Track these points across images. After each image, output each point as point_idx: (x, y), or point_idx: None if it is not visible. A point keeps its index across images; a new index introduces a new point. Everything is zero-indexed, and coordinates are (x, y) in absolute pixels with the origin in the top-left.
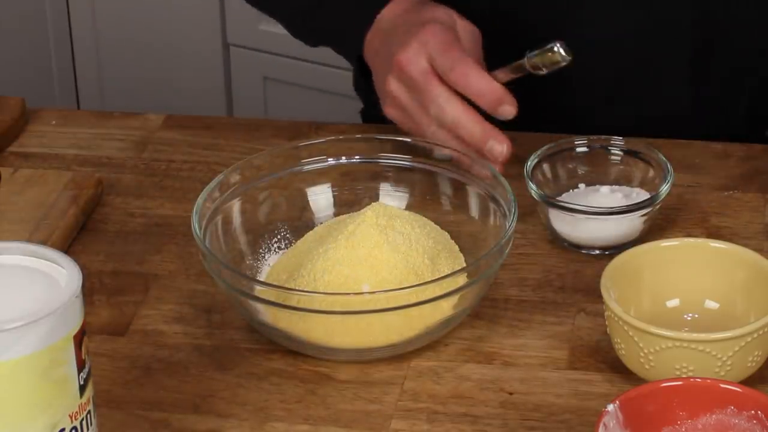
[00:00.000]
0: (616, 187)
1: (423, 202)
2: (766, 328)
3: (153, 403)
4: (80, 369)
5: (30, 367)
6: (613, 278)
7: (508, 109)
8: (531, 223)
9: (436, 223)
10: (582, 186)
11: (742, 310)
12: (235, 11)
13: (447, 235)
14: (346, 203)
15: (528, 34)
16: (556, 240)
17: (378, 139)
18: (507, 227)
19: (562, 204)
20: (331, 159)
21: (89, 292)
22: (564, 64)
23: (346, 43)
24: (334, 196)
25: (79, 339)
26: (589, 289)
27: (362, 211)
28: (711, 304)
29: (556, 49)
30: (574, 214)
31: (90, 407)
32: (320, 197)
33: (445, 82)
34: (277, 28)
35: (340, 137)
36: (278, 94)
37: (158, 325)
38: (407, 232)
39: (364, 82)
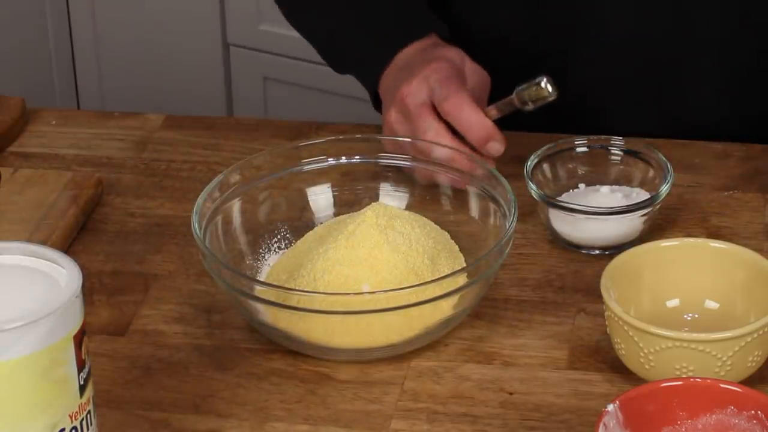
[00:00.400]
0: (616, 187)
1: (423, 202)
2: (766, 328)
3: (153, 403)
4: (80, 369)
5: (30, 367)
6: (613, 278)
7: (496, 147)
8: (531, 223)
9: (436, 223)
10: (582, 186)
11: (742, 310)
12: (235, 11)
13: (447, 235)
14: (346, 203)
15: (552, 35)
16: (556, 240)
17: (378, 139)
18: (507, 227)
19: (562, 204)
20: (331, 159)
21: (89, 292)
22: (551, 99)
23: (365, 76)
24: (334, 196)
25: (79, 339)
26: (589, 289)
27: (362, 211)
28: (711, 304)
29: (543, 84)
30: (574, 214)
31: (90, 407)
32: (320, 197)
33: (439, 113)
34: (277, 28)
35: (340, 137)
36: (278, 94)
37: (158, 325)
38: (407, 232)
39: (379, 112)
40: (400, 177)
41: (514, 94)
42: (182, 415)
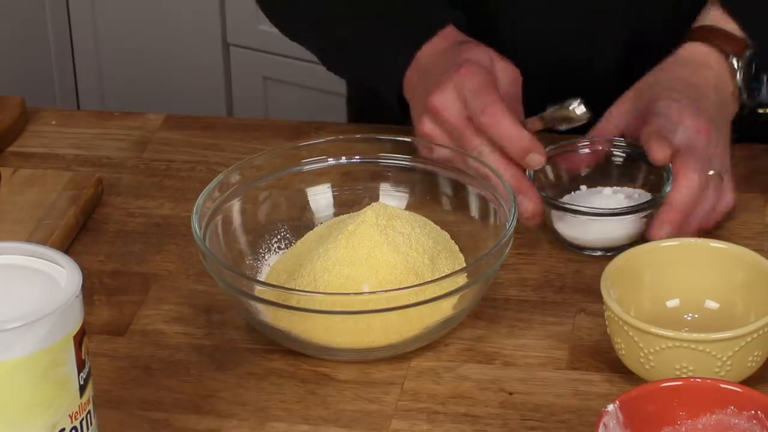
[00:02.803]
0: (618, 188)
1: (423, 202)
2: (766, 328)
3: (153, 403)
4: (80, 369)
5: (30, 367)
6: (613, 278)
7: (537, 159)
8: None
9: (436, 223)
10: (584, 188)
11: (742, 310)
12: (235, 11)
13: (447, 235)
14: (346, 203)
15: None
16: (558, 241)
17: (378, 139)
18: (507, 227)
19: (564, 206)
20: (331, 159)
21: (89, 292)
22: (581, 121)
23: (385, 80)
24: (334, 196)
25: (79, 339)
26: (589, 289)
27: (362, 211)
28: (711, 304)
29: (571, 107)
30: (576, 215)
31: (90, 407)
32: (320, 197)
33: (477, 126)
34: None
35: (340, 137)
36: (278, 94)
37: (158, 325)
38: (407, 232)
39: (402, 114)
40: (400, 177)
41: (545, 112)
42: (182, 415)
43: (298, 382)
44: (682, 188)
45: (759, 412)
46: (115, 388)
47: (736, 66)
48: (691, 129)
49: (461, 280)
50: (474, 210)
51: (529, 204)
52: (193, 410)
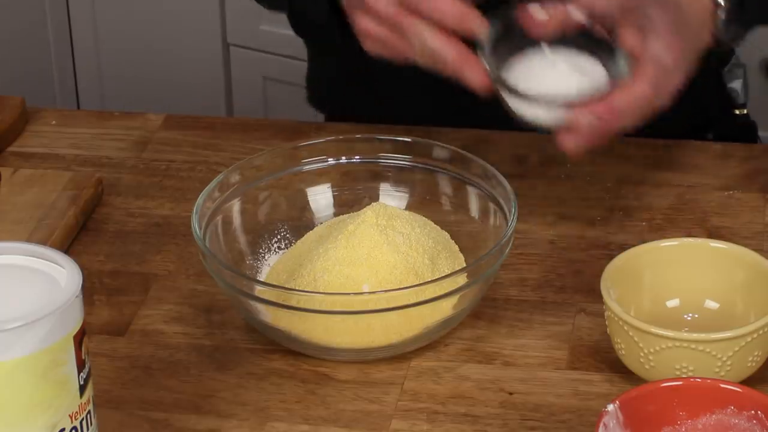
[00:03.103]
0: (574, 54)
1: (423, 202)
2: (766, 328)
3: (153, 403)
4: (80, 369)
5: (30, 367)
6: (613, 278)
7: (475, 24)
8: (531, 223)
9: (436, 223)
10: (545, 48)
11: (742, 310)
12: (235, 11)
13: (447, 235)
14: (346, 203)
15: None
16: (519, 112)
17: (378, 139)
18: (507, 227)
19: (508, 86)
20: (331, 159)
21: (89, 292)
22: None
23: None
24: (334, 196)
25: (79, 339)
26: (589, 289)
27: (362, 211)
28: (711, 304)
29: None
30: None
31: (90, 407)
32: (320, 197)
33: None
34: (276, 28)
35: (340, 137)
36: (278, 94)
37: (158, 325)
38: (407, 232)
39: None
40: (400, 177)
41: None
42: (182, 415)
43: (298, 382)
44: (630, 95)
45: (759, 412)
46: (115, 388)
47: (722, 2)
48: (665, 45)
49: (461, 280)
50: (474, 210)
51: (475, 78)
52: (193, 410)
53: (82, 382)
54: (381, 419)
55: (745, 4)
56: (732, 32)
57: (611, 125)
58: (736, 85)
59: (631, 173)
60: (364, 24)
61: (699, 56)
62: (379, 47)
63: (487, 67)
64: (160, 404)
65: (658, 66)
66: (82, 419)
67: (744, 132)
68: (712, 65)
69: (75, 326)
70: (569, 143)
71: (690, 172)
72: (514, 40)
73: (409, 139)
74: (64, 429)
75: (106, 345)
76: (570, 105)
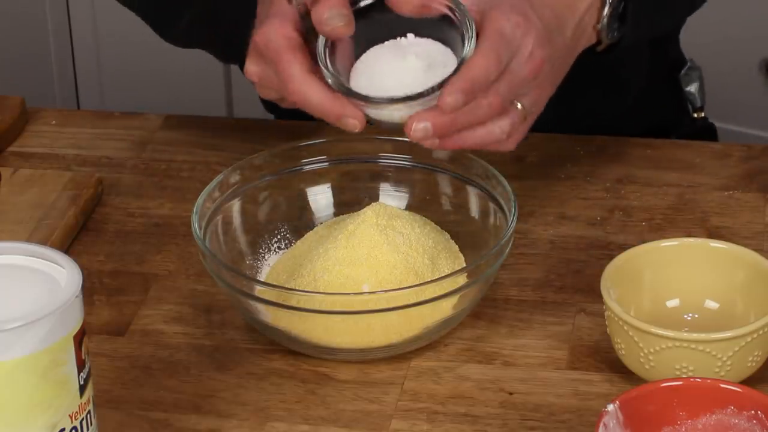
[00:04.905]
0: (426, 43)
1: (423, 202)
2: (766, 328)
3: (153, 403)
4: (80, 369)
5: (30, 367)
6: (613, 278)
7: (351, 123)
8: (531, 223)
9: (436, 223)
10: (410, 36)
11: (742, 310)
12: None
13: (447, 235)
14: (346, 203)
15: None
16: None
17: (378, 139)
18: (507, 227)
19: (355, 93)
20: (331, 159)
21: (89, 292)
22: None
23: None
24: (334, 196)
25: (79, 339)
26: (589, 289)
27: (362, 211)
28: (711, 304)
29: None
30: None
31: (90, 407)
32: (320, 197)
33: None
34: None
35: (340, 137)
36: None
37: (158, 325)
38: (407, 232)
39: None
40: (400, 177)
41: None
42: (182, 415)
43: (298, 382)
44: (481, 66)
45: (759, 412)
46: (115, 388)
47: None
48: (526, 54)
49: (461, 280)
50: (474, 210)
51: (355, 120)
52: (193, 410)
53: (82, 382)
54: (381, 419)
55: (629, 4)
56: (618, 31)
57: (466, 137)
58: (692, 88)
59: (631, 173)
60: (252, 68)
61: (574, 43)
62: (265, 92)
63: (328, 77)
64: (160, 404)
65: (500, 35)
66: (82, 419)
67: (704, 136)
68: (667, 70)
69: (75, 326)
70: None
71: (690, 172)
72: (366, 31)
73: (409, 139)
74: (64, 429)
75: (106, 345)
76: (407, 103)
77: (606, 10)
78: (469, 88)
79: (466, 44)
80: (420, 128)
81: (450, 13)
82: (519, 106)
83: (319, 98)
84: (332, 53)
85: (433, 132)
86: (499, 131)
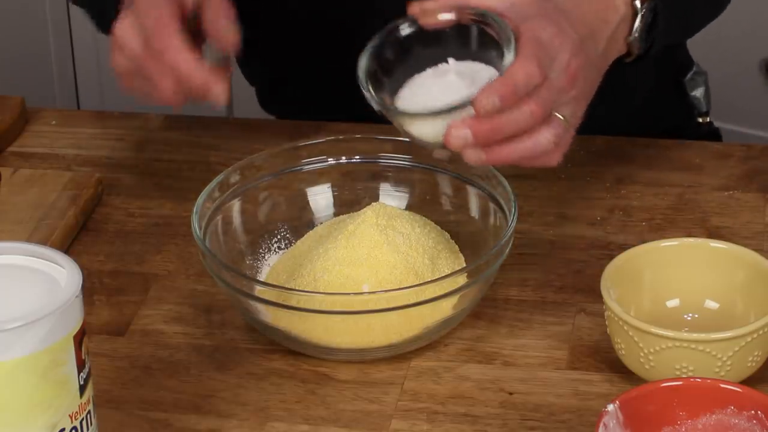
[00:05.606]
0: (466, 65)
1: (423, 202)
2: (766, 328)
3: (153, 403)
4: (80, 369)
5: (30, 367)
6: (613, 278)
7: (218, 94)
8: (531, 223)
9: (436, 223)
10: (451, 61)
11: (742, 310)
12: None
13: (447, 235)
14: (346, 203)
15: None
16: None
17: (378, 139)
18: (507, 227)
19: (389, 108)
20: (331, 159)
21: (89, 292)
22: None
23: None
24: (334, 196)
25: (79, 339)
26: (589, 289)
27: (362, 211)
28: (711, 304)
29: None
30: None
31: (90, 407)
32: (320, 197)
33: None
34: None
35: (340, 137)
36: None
37: (158, 325)
38: (407, 232)
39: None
40: (400, 177)
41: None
42: (182, 415)
43: (298, 382)
44: (522, 72)
45: (759, 412)
46: (115, 388)
47: (639, 11)
48: (563, 64)
49: (461, 280)
50: (474, 210)
51: (221, 94)
52: (193, 410)
53: (82, 382)
54: (381, 419)
55: (659, 16)
56: (648, 41)
57: (509, 150)
58: (698, 93)
59: (631, 173)
60: (118, 61)
61: (605, 55)
62: (129, 86)
63: (372, 101)
64: (160, 404)
65: (537, 42)
66: (82, 419)
67: (709, 140)
68: (673, 75)
69: (75, 326)
70: (470, 157)
71: (690, 172)
72: (408, 61)
73: (409, 139)
74: (64, 429)
75: (106, 345)
76: (450, 115)
77: (638, 23)
78: (509, 91)
79: (505, 53)
80: (460, 135)
81: (484, 25)
82: (560, 117)
83: (189, 66)
84: (377, 87)
85: (473, 140)
86: (546, 141)
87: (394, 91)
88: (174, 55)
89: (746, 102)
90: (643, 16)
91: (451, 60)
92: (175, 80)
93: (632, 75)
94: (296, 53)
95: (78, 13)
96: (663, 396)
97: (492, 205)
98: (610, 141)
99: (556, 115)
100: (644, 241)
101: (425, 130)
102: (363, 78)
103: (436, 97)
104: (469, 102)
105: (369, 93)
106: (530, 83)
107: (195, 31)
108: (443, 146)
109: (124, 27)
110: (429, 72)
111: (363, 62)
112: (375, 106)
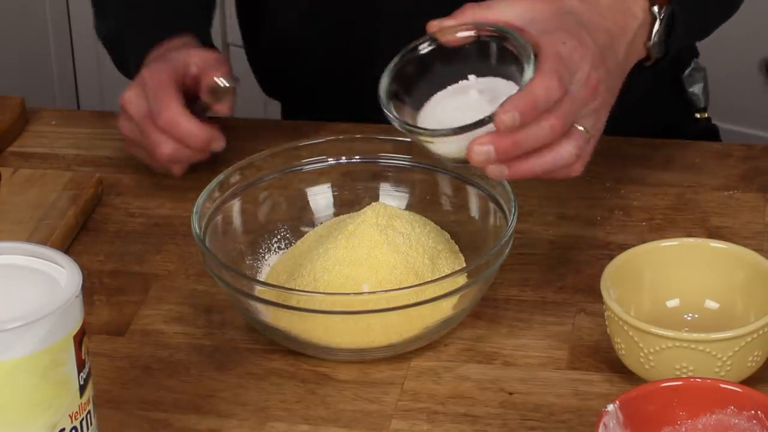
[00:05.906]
0: (488, 81)
1: (423, 202)
2: (766, 328)
3: (153, 403)
4: (80, 369)
5: (30, 367)
6: (613, 278)
7: (219, 145)
8: (531, 223)
9: (436, 223)
10: (472, 77)
11: (742, 310)
12: (235, 11)
13: (447, 235)
14: (346, 203)
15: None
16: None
17: (378, 139)
18: (507, 227)
19: (412, 128)
20: (331, 159)
21: (89, 292)
22: (225, 92)
23: (130, 75)
24: (334, 196)
25: (79, 339)
26: (589, 289)
27: (362, 211)
28: (711, 304)
29: (216, 80)
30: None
31: (90, 407)
32: (320, 197)
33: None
34: None
35: (340, 137)
36: None
37: (158, 325)
38: (407, 232)
39: None
40: (400, 177)
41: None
42: (182, 415)
43: (298, 382)
44: (543, 87)
45: (759, 412)
46: (115, 388)
47: (657, 16)
48: (584, 77)
49: (461, 280)
50: (474, 210)
51: (222, 141)
52: (193, 410)
53: (82, 382)
54: (381, 419)
55: (676, 20)
56: (668, 45)
57: (533, 164)
58: (696, 89)
59: (631, 173)
60: (125, 128)
61: (625, 62)
62: (134, 150)
63: (394, 122)
64: (160, 404)
65: (558, 57)
66: (82, 419)
67: (706, 137)
68: (671, 70)
69: (75, 326)
70: (493, 172)
71: (690, 172)
72: (428, 79)
73: (409, 139)
74: (64, 429)
75: (106, 345)
76: (472, 132)
77: (657, 27)
78: (529, 107)
79: (525, 68)
80: (482, 151)
81: (504, 41)
82: (581, 128)
83: (190, 125)
84: (398, 106)
85: (495, 155)
86: (568, 154)
87: (416, 110)
88: (173, 115)
89: (746, 102)
90: (661, 21)
91: (471, 76)
92: (174, 143)
93: (631, 71)
94: (297, 52)
95: (78, 13)
96: (663, 396)
97: (492, 205)
98: (610, 141)
99: (577, 127)
100: (644, 241)
101: (448, 148)
102: (384, 98)
103: (457, 114)
104: (490, 118)
105: (391, 114)
106: (550, 98)
107: (195, 96)
108: (466, 162)
109: (130, 96)
110: (450, 89)
111: (384, 82)
112: (397, 127)
